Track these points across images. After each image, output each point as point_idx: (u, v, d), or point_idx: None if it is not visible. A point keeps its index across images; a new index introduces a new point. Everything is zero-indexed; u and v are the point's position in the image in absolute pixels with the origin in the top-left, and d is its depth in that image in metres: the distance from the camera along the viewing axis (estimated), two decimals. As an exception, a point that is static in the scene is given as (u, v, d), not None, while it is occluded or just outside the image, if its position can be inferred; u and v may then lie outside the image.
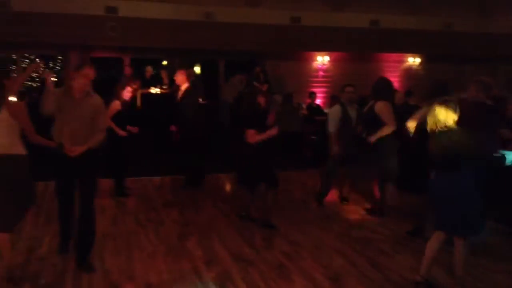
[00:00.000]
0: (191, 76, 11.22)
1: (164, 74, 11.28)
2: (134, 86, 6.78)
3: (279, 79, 11.56)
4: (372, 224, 5.62)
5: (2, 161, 3.67)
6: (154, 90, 10.77)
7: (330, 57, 12.63)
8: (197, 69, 12.87)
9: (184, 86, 7.12)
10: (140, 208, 6.10)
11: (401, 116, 5.84)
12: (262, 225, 5.44)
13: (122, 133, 6.25)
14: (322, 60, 12.60)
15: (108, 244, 4.81)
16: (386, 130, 5.57)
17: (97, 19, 10.46)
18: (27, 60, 14.44)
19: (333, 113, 6.17)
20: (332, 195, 6.62)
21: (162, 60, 13.44)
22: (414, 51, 13.16)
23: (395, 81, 12.91)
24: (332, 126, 6.10)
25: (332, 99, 11.46)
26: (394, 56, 13.21)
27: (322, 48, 12.31)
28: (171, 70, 10.53)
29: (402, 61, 13.43)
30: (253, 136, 5.30)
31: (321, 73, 12.74)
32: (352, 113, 6.16)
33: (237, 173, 5.78)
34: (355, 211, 6.19)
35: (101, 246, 4.70)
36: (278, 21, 11.51)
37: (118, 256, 4.54)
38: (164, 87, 10.94)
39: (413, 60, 13.39)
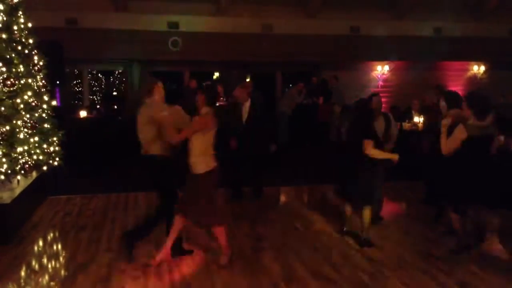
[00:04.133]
0: (249, 88, 11.34)
1: (219, 88, 11.37)
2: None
3: (338, 89, 11.40)
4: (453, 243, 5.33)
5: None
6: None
7: (390, 67, 12.35)
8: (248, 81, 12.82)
9: (248, 103, 6.81)
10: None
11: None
12: (360, 243, 5.20)
13: None
14: (381, 69, 12.33)
15: (185, 259, 4.80)
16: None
17: (159, 35, 10.73)
18: (90, 75, 14.97)
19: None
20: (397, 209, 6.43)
21: (219, 73, 13.57)
22: (478, 59, 12.66)
23: (459, 90, 12.46)
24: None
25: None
26: (457, 64, 12.76)
27: (382, 57, 12.06)
28: (226, 83, 10.65)
29: (465, 70, 12.94)
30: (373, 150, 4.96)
31: (380, 83, 12.46)
32: (378, 125, 5.69)
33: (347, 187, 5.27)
34: (428, 227, 5.92)
35: (178, 262, 4.72)
36: (337, 31, 11.40)
37: (197, 270, 4.53)
38: (222, 98, 11.02)
39: (478, 69, 12.88)
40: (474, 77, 12.89)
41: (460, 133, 4.64)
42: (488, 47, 11.97)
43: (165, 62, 11.60)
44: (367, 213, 5.17)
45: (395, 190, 7.48)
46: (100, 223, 5.88)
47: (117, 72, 15.56)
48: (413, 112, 9.75)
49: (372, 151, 4.96)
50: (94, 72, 15.42)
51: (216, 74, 13.43)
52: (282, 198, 7.81)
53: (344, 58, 11.80)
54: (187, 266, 4.66)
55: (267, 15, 11.35)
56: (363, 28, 11.58)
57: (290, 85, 12.20)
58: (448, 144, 4.75)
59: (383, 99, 12.20)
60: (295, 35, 11.35)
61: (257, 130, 6.65)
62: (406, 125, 9.17)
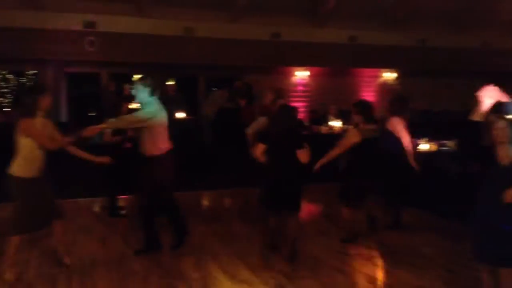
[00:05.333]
0: (172, 91, 11.17)
1: None
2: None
3: (260, 93, 11.55)
4: (366, 241, 5.58)
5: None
6: (133, 106, 10.58)
7: (309, 72, 12.72)
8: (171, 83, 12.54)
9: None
10: (128, 229, 5.88)
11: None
12: (289, 257, 4.92)
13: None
14: (301, 75, 12.67)
15: (98, 269, 4.61)
16: None
17: (75, 34, 10.25)
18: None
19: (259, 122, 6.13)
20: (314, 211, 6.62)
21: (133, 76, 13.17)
22: (390, 66, 13.39)
23: (372, 96, 13.13)
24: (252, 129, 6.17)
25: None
26: (371, 71, 13.41)
27: (302, 63, 12.39)
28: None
29: (378, 76, 13.64)
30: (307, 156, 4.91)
31: (300, 87, 12.80)
32: None
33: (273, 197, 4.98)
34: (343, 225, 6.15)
35: (91, 271, 4.52)
36: (258, 37, 11.55)
37: (111, 281, 4.36)
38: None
39: (389, 75, 13.61)
40: (386, 84, 13.61)
41: (352, 135, 5.24)
42: (398, 56, 12.70)
43: (81, 62, 11.11)
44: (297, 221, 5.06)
45: (314, 191, 7.68)
46: None
47: (29, 73, 14.65)
48: (329, 116, 10.15)
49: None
50: (5, 72, 14.36)
51: (138, 77, 13.06)
52: (204, 202, 7.78)
53: (265, 63, 11.98)
54: (99, 274, 4.48)
55: (189, 18, 11.23)
56: (284, 35, 11.82)
57: (214, 89, 12.18)
58: (343, 147, 5.31)
59: (303, 104, 12.65)
60: (218, 39, 11.33)
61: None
62: (323, 129, 9.51)
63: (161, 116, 4.95)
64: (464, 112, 11.67)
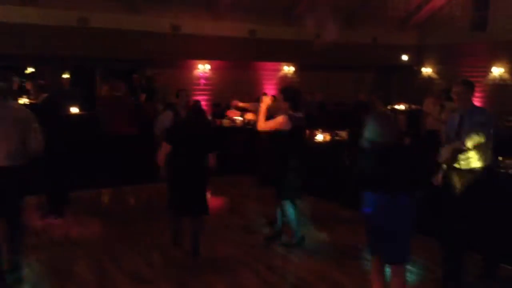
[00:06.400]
0: (66, 84, 10.57)
1: (29, 85, 10.31)
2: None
3: (162, 87, 11.34)
4: (266, 230, 5.73)
5: None
6: (22, 101, 9.84)
7: (211, 65, 12.72)
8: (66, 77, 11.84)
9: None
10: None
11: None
12: (192, 253, 4.84)
13: None
14: (203, 68, 12.64)
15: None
16: None
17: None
18: None
19: (163, 119, 6.04)
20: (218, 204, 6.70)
21: (26, 69, 12.28)
22: (288, 60, 13.81)
23: (272, 88, 13.48)
24: (158, 130, 5.95)
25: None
26: (271, 65, 13.74)
27: (202, 56, 12.37)
28: (39, 79, 9.74)
29: (278, 70, 14.02)
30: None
31: (202, 81, 12.77)
32: None
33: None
34: (246, 218, 6.29)
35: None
36: (158, 29, 11.30)
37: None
38: (32, 97, 10.04)
39: (288, 69, 14.05)
40: (286, 77, 14.03)
41: (283, 122, 4.85)
42: (296, 50, 13.13)
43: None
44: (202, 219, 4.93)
45: (218, 185, 7.71)
46: None
47: None
48: (232, 109, 10.25)
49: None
50: None
51: (31, 70, 12.17)
52: (103, 200, 7.49)
53: (165, 56, 11.76)
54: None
55: (83, 8, 10.65)
56: (184, 27, 11.69)
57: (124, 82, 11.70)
58: (267, 124, 4.94)
59: (205, 97, 12.64)
60: (115, 30, 10.89)
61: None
62: (225, 122, 9.59)
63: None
64: (355, 103, 12.49)
